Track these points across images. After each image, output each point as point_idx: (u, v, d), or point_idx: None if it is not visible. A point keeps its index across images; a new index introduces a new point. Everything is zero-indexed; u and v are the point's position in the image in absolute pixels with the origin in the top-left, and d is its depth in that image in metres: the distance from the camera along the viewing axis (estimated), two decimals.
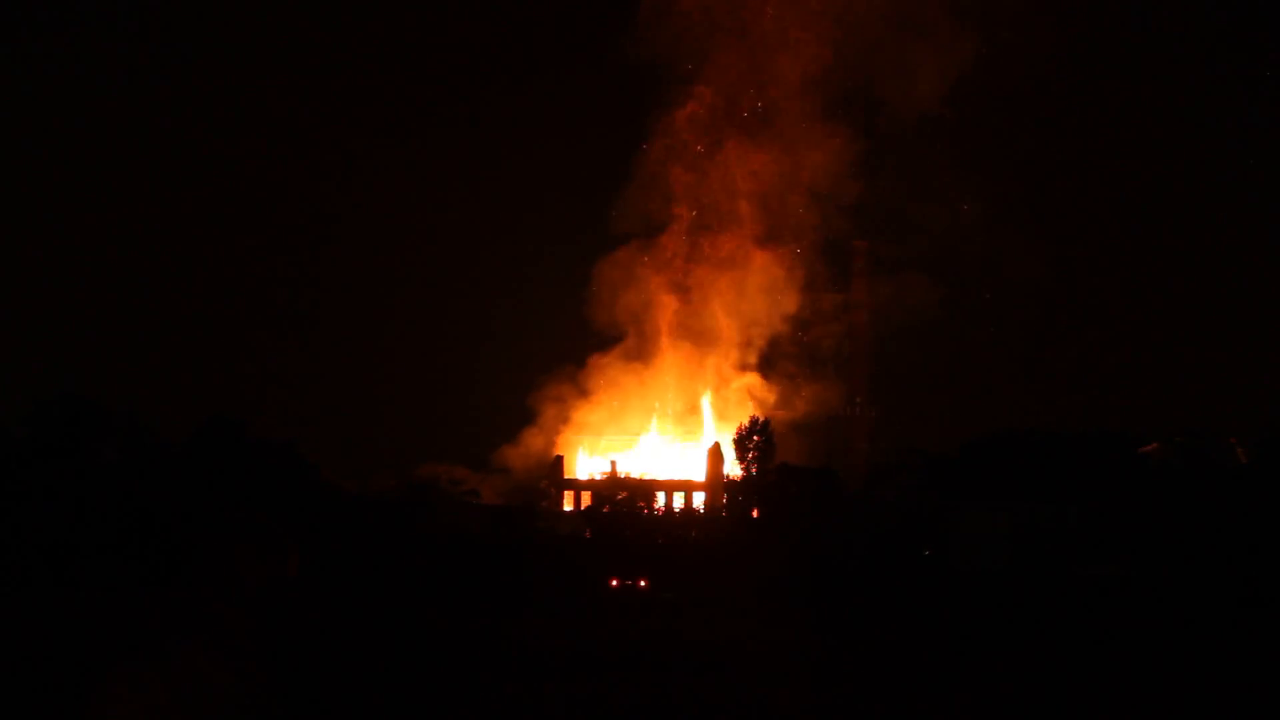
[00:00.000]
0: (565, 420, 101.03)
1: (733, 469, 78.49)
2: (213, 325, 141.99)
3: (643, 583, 50.32)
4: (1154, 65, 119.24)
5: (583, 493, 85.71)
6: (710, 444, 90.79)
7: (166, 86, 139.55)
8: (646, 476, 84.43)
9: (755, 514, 69.28)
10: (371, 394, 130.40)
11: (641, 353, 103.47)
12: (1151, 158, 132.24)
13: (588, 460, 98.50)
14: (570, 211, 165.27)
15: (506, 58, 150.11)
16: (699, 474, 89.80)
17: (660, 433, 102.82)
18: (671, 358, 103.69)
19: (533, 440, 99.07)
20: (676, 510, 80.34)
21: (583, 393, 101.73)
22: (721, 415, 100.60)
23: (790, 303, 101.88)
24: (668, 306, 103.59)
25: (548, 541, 59.61)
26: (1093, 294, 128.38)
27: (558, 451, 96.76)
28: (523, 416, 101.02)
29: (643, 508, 69.97)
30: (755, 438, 75.67)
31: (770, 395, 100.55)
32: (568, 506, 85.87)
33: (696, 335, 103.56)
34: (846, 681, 20.14)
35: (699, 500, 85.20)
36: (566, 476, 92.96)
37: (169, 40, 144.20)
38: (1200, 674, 21.02)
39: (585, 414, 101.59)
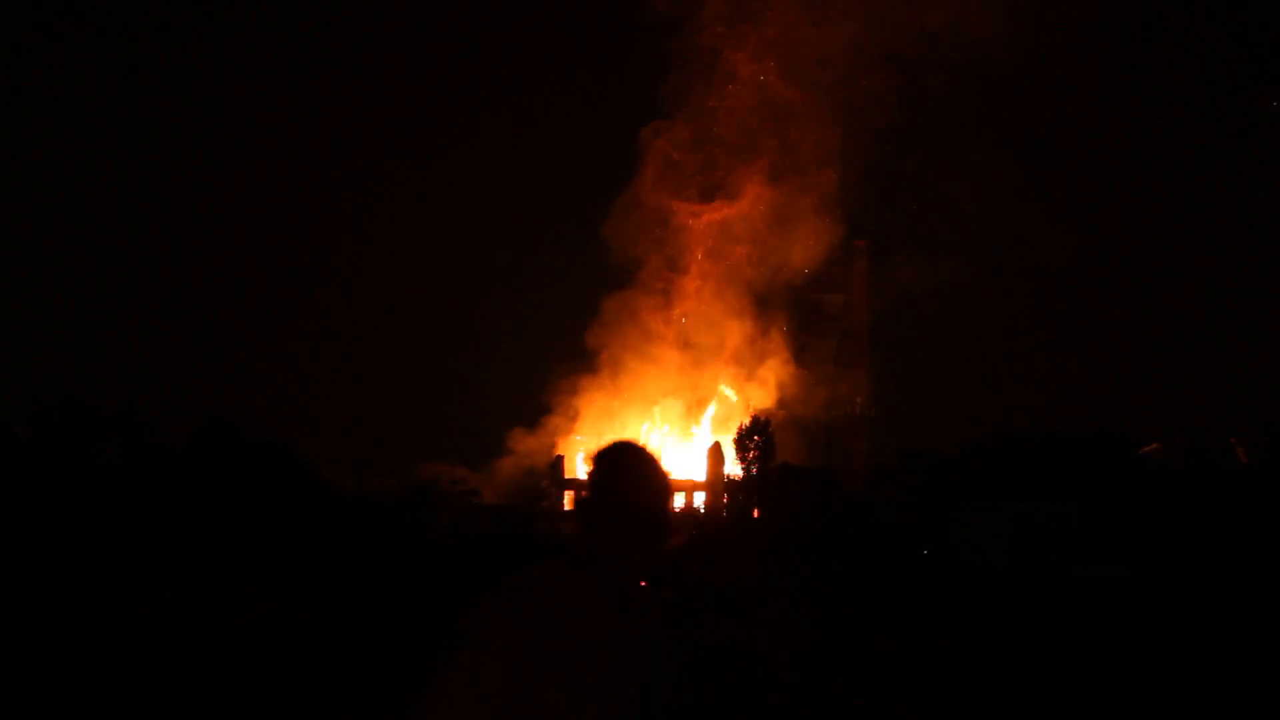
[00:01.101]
0: (576, 413, 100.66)
1: (733, 469, 78.52)
2: (212, 325, 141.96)
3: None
4: (1154, 65, 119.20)
5: (583, 493, 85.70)
6: (710, 444, 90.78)
7: (167, 86, 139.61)
8: None
9: (755, 514, 69.32)
10: (371, 394, 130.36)
11: (659, 290, 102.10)
12: (1150, 158, 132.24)
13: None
14: (569, 208, 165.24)
15: (505, 56, 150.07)
16: (699, 474, 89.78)
17: (661, 428, 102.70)
18: (696, 289, 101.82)
19: (555, 426, 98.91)
20: (677, 510, 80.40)
21: (595, 370, 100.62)
22: (740, 362, 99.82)
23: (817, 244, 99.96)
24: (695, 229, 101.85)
25: (548, 541, 59.57)
26: (1093, 294, 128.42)
27: (558, 451, 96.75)
28: (523, 415, 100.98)
29: None
30: (755, 438, 75.71)
31: (787, 376, 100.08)
32: (568, 506, 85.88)
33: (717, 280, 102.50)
34: (847, 680, 20.15)
35: (699, 500, 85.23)
36: (566, 476, 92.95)
37: (170, 40, 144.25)
38: (1200, 674, 21.03)
39: (601, 391, 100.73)
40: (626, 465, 3.63)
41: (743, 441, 75.92)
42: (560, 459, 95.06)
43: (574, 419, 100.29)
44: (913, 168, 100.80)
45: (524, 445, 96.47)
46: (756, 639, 26.02)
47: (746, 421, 77.69)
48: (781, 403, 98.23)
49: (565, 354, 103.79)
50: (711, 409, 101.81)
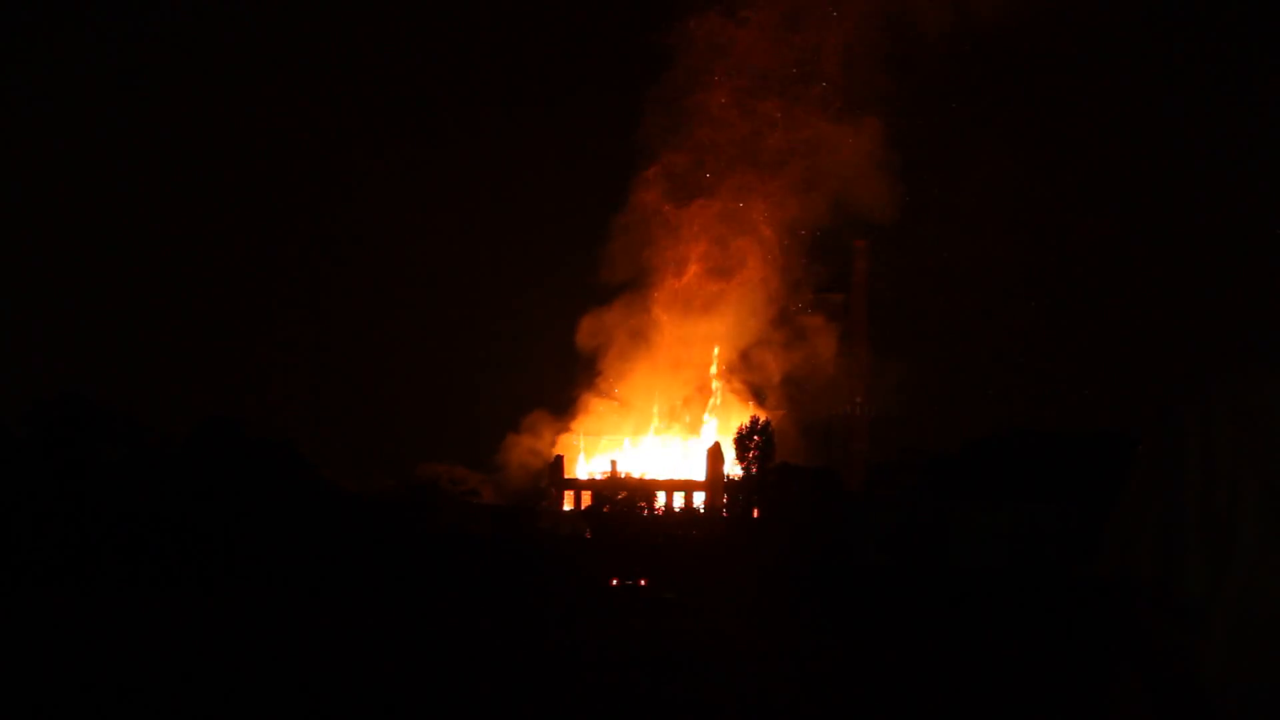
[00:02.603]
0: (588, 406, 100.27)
1: (733, 469, 78.51)
2: (212, 325, 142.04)
3: (643, 583, 50.28)
4: (1154, 65, 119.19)
5: (583, 492, 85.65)
6: (710, 444, 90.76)
7: (167, 87, 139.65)
8: (646, 476, 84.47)
9: (755, 514, 69.35)
10: (371, 394, 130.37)
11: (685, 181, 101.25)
12: (1149, 155, 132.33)
13: (587, 461, 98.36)
14: (568, 208, 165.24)
15: (503, 61, 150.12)
16: (699, 474, 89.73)
17: (660, 430, 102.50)
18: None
19: (580, 414, 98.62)
20: (677, 510, 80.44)
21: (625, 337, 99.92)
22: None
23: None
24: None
25: (548, 541, 59.63)
26: (1092, 293, 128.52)
27: (557, 451, 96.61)
28: (520, 415, 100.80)
29: (643, 508, 70.01)
30: (755, 438, 75.69)
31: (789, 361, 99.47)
32: (568, 506, 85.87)
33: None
34: (846, 681, 20.14)
35: (699, 500, 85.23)
36: (566, 476, 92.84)
37: (171, 40, 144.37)
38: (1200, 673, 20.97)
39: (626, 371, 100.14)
40: None
41: (743, 441, 75.90)
42: (560, 459, 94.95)
43: (601, 397, 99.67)
44: (925, 166, 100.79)
45: (547, 431, 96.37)
46: (749, 637, 26.03)
47: (746, 422, 77.71)
48: (780, 402, 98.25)
49: (572, 336, 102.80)
50: (715, 397, 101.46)
